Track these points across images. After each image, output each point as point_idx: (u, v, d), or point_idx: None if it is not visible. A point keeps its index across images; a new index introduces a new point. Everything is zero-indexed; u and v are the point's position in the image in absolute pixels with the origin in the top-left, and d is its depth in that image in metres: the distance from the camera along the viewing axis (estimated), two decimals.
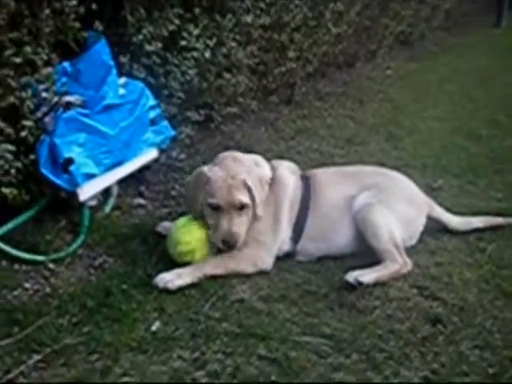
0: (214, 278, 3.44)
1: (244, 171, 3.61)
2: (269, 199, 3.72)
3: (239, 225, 3.55)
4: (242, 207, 3.55)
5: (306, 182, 3.87)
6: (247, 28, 5.66)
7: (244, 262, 3.55)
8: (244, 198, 3.54)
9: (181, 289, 3.32)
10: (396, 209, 3.72)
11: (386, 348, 2.90)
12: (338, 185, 3.87)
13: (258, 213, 3.62)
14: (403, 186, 3.95)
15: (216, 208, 3.54)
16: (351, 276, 3.37)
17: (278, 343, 2.90)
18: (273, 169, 3.86)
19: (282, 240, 3.70)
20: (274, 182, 3.79)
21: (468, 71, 10.18)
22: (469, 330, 3.06)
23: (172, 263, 3.50)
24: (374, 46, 10.10)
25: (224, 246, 3.54)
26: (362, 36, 9.32)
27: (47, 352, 2.81)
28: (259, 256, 3.59)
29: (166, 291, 3.28)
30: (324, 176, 3.98)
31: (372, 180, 3.87)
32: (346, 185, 3.86)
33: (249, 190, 3.56)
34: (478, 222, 4.10)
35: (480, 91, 8.67)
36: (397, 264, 3.51)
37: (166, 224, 3.93)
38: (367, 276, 3.39)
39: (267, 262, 3.61)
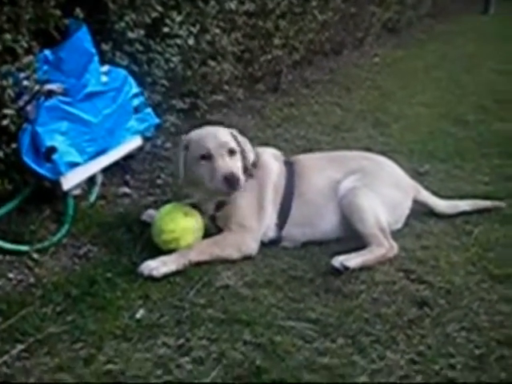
0: (199, 264, 3.41)
1: (226, 129, 3.68)
2: (252, 184, 3.69)
3: (235, 167, 3.51)
4: (231, 152, 3.54)
5: (290, 168, 3.85)
6: (231, 15, 5.63)
7: (229, 247, 3.52)
8: (232, 143, 3.56)
9: (166, 276, 3.29)
10: (382, 192, 3.70)
11: (373, 332, 2.89)
12: (322, 170, 3.85)
13: (248, 166, 3.63)
14: (389, 170, 3.94)
15: (208, 157, 3.51)
16: (337, 261, 3.35)
17: (263, 328, 2.88)
18: (256, 154, 3.82)
19: (267, 226, 3.69)
20: (257, 168, 3.76)
21: (456, 58, 10.20)
22: (455, 312, 3.05)
23: (157, 251, 3.47)
24: (361, 33, 10.11)
25: (227, 185, 3.44)
26: (348, 23, 9.32)
27: (31, 341, 2.78)
28: (244, 241, 3.57)
29: (151, 279, 3.26)
30: (308, 161, 3.96)
31: (357, 164, 3.86)
32: (331, 169, 3.84)
33: (236, 141, 3.60)
34: (465, 205, 4.09)
35: (468, 77, 8.69)
36: (383, 248, 3.50)
37: (151, 212, 3.90)
38: (353, 260, 3.37)
39: (252, 247, 3.59)
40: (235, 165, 3.53)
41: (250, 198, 3.66)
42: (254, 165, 3.74)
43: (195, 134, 3.67)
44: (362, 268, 3.39)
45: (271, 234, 3.71)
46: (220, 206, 3.66)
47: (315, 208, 3.74)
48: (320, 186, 3.78)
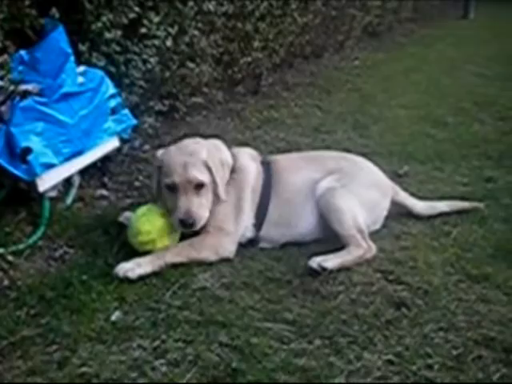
0: (175, 266, 3.38)
1: (203, 151, 3.56)
2: (230, 187, 3.66)
3: (198, 205, 3.46)
4: (199, 186, 3.47)
5: (268, 168, 3.81)
6: (210, 16, 5.62)
7: (206, 250, 3.48)
8: (200, 176, 3.47)
9: (142, 278, 3.26)
10: (360, 193, 3.68)
11: (350, 332, 2.87)
12: (300, 170, 3.82)
13: (221, 195, 3.56)
14: (367, 171, 3.92)
15: (173, 188, 3.47)
16: (314, 262, 3.33)
17: (239, 330, 2.86)
18: (233, 156, 3.79)
19: (245, 227, 3.66)
20: (235, 170, 3.73)
21: (435, 61, 10.25)
22: (433, 312, 3.03)
23: (134, 253, 3.43)
24: (342, 36, 10.13)
25: (182, 227, 3.45)
26: (329, 27, 9.34)
27: (4, 345, 2.74)
28: (221, 244, 3.53)
29: (127, 280, 3.22)
30: (286, 161, 3.93)
31: (335, 164, 3.83)
32: (309, 169, 3.81)
33: (208, 169, 3.51)
34: (443, 206, 4.09)
35: (447, 80, 8.73)
36: (361, 249, 3.48)
37: (129, 214, 3.86)
38: (331, 261, 3.35)
39: (230, 249, 3.55)
40: (199, 202, 3.48)
41: (229, 202, 3.62)
42: (233, 169, 3.72)
43: (168, 155, 3.57)
44: (340, 269, 3.37)
45: (248, 234, 3.67)
46: None
47: (293, 208, 3.71)
48: (297, 185, 3.74)
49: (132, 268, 3.28)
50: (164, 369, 2.62)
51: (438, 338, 2.84)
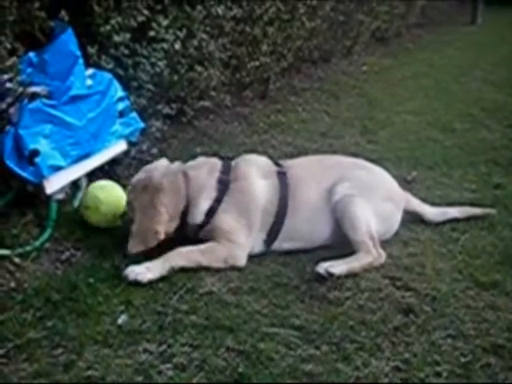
0: (183, 270, 3.37)
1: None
2: (233, 200, 3.62)
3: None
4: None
5: (283, 180, 3.72)
6: (218, 20, 5.61)
7: (217, 261, 3.46)
8: None
9: (150, 282, 3.26)
10: (375, 203, 3.66)
11: (357, 339, 2.85)
12: (317, 181, 3.76)
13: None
14: (383, 181, 3.90)
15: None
16: (321, 267, 3.31)
17: (246, 335, 2.84)
18: (235, 166, 3.73)
19: (256, 242, 3.61)
20: (237, 180, 3.66)
21: (443, 67, 10.22)
22: (441, 319, 3.02)
23: (142, 257, 3.43)
24: (350, 41, 10.10)
25: None
26: (337, 32, 9.31)
27: (9, 347, 2.72)
28: (232, 256, 3.49)
29: (135, 284, 3.21)
30: (302, 171, 3.84)
31: (352, 173, 3.80)
32: (326, 180, 3.76)
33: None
34: (455, 212, 4.07)
35: (455, 86, 8.70)
36: (370, 256, 3.46)
37: None
38: (338, 267, 3.33)
39: (241, 262, 3.51)
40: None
41: (234, 214, 3.58)
42: (235, 178, 3.67)
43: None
44: (348, 275, 3.36)
45: (258, 249, 3.63)
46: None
47: (310, 224, 3.68)
48: (314, 199, 3.70)
49: (142, 272, 3.27)
50: (170, 373, 2.60)
51: (446, 346, 2.82)
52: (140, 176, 3.66)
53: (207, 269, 3.41)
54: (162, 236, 3.47)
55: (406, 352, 2.77)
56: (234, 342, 2.79)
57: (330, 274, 3.29)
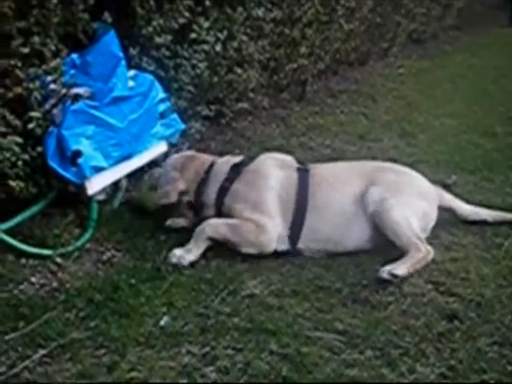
0: (223, 273, 3.41)
1: None
2: (243, 179, 3.75)
3: None
4: None
5: (304, 176, 3.75)
6: (258, 22, 5.59)
7: (242, 239, 3.55)
8: None
9: (191, 281, 3.31)
10: (410, 203, 3.63)
11: (401, 344, 2.82)
12: (342, 182, 3.75)
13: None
14: (413, 180, 3.87)
15: None
16: (384, 271, 3.29)
17: (289, 339, 2.83)
18: (255, 158, 3.90)
19: (279, 237, 3.61)
20: (249, 166, 3.80)
21: (482, 69, 10.10)
22: (487, 325, 2.97)
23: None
24: (386, 43, 10.03)
25: None
26: (374, 33, 9.25)
27: (53, 346, 2.75)
28: (257, 236, 3.55)
29: (176, 284, 3.24)
30: (326, 171, 3.87)
31: (381, 177, 3.77)
32: (352, 182, 3.75)
33: None
34: (486, 214, 4.03)
35: (495, 88, 8.59)
36: (421, 252, 3.43)
37: (176, 219, 3.88)
38: (400, 268, 3.30)
39: (266, 243, 3.57)
40: None
41: (246, 193, 3.70)
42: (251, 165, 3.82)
43: None
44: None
45: (283, 246, 3.63)
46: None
47: (336, 227, 3.65)
48: (340, 202, 3.69)
49: (182, 255, 3.43)
50: (214, 376, 2.60)
51: (493, 353, 2.78)
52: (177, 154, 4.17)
53: (248, 271, 3.42)
54: (173, 198, 3.85)
55: (452, 359, 2.73)
56: (277, 345, 2.79)
57: (395, 276, 3.27)
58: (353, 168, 3.97)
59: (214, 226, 3.56)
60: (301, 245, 3.64)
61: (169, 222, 3.88)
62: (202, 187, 3.83)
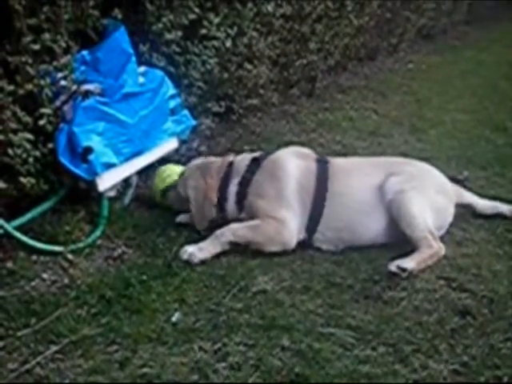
0: (235, 268, 3.40)
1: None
2: (262, 170, 3.76)
3: None
4: None
5: (323, 167, 3.77)
6: (268, 18, 5.58)
7: (263, 238, 3.54)
8: None
9: (202, 277, 3.31)
10: (429, 196, 3.63)
11: (414, 340, 2.81)
12: (362, 173, 3.76)
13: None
14: (432, 175, 3.87)
15: None
16: (392, 265, 3.29)
17: (301, 335, 2.82)
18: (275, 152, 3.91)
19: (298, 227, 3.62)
20: (271, 163, 3.78)
21: (492, 65, 10.03)
22: (500, 322, 2.96)
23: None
24: (396, 39, 9.98)
25: None
26: (383, 29, 9.21)
27: (65, 343, 2.76)
28: (278, 231, 3.55)
29: (187, 281, 3.25)
30: (345, 163, 3.90)
31: (400, 169, 3.77)
32: (372, 173, 3.75)
33: None
34: (504, 208, 4.04)
35: (505, 84, 8.51)
36: (432, 249, 3.42)
37: (185, 215, 3.88)
38: (408, 263, 3.30)
39: (287, 239, 3.57)
40: None
41: (265, 183, 3.71)
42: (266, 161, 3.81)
43: None
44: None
45: (301, 235, 3.63)
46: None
47: (354, 215, 3.65)
48: (359, 191, 3.68)
49: (194, 253, 3.42)
50: (226, 372, 2.60)
51: (506, 349, 2.77)
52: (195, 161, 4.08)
53: (260, 267, 3.42)
54: (214, 199, 3.76)
55: (465, 355, 2.72)
56: (290, 341, 2.78)
57: (403, 269, 3.26)
58: (373, 160, 4.05)
59: (235, 230, 3.55)
60: (318, 234, 3.65)
61: (179, 219, 3.88)
62: (226, 181, 3.80)
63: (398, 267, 3.26)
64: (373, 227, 3.65)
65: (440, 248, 3.46)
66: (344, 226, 3.65)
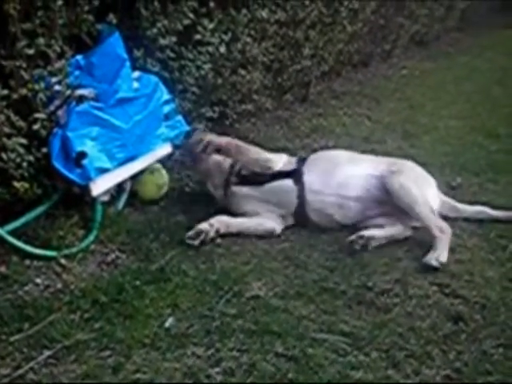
0: (227, 274, 3.40)
1: None
2: None
3: None
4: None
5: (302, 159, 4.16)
6: (262, 24, 5.59)
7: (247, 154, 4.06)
8: None
9: (195, 282, 3.31)
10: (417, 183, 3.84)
11: (407, 346, 2.82)
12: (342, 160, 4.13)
13: None
14: (416, 168, 4.11)
15: None
16: (432, 259, 3.45)
17: (294, 340, 2.83)
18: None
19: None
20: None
21: (485, 71, 10.06)
22: (492, 328, 2.97)
23: (188, 259, 3.51)
24: (389, 45, 10.01)
25: None
26: (377, 35, 9.23)
27: (58, 348, 2.75)
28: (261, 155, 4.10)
29: (181, 287, 3.24)
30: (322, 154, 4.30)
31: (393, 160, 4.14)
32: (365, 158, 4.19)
33: None
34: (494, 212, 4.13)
35: (498, 90, 8.54)
36: (446, 233, 3.63)
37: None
38: (442, 255, 3.49)
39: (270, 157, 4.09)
40: None
41: None
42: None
43: None
44: (395, 281, 3.35)
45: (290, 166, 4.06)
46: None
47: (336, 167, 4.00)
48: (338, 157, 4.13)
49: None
50: (219, 378, 2.60)
51: (498, 355, 2.78)
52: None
53: (253, 272, 3.43)
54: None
55: (457, 361, 2.74)
56: (283, 347, 2.78)
57: (442, 264, 3.43)
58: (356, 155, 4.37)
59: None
60: (306, 177, 3.95)
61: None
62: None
63: (438, 261, 3.44)
64: (358, 184, 3.94)
65: (448, 228, 3.67)
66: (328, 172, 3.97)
